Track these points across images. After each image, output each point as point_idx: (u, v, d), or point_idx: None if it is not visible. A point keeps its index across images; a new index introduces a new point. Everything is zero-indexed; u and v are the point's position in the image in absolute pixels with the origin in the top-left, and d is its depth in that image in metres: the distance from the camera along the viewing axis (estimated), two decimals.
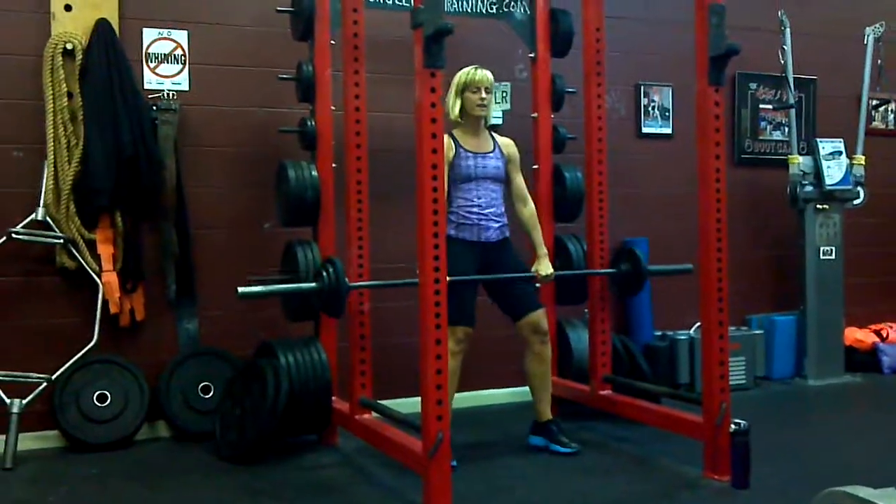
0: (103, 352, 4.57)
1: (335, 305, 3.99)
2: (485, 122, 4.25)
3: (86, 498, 3.75)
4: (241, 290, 3.82)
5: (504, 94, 5.45)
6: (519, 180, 4.36)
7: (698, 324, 4.04)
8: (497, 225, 4.19)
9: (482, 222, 4.14)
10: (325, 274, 3.97)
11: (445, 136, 4.07)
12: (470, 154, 4.15)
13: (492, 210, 4.17)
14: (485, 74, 4.16)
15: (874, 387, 5.96)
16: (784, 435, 4.58)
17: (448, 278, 3.38)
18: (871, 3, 6.58)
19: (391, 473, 3.93)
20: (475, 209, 4.13)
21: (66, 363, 4.46)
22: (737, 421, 3.64)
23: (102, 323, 4.55)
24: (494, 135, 4.32)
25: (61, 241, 4.51)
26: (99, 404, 4.46)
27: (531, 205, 4.38)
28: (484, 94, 4.13)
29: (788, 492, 3.58)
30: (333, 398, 4.39)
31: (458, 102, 4.18)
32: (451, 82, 4.17)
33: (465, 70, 4.18)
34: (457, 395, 4.13)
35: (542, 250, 4.36)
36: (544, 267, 4.33)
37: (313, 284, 4.02)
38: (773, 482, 3.69)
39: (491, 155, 4.21)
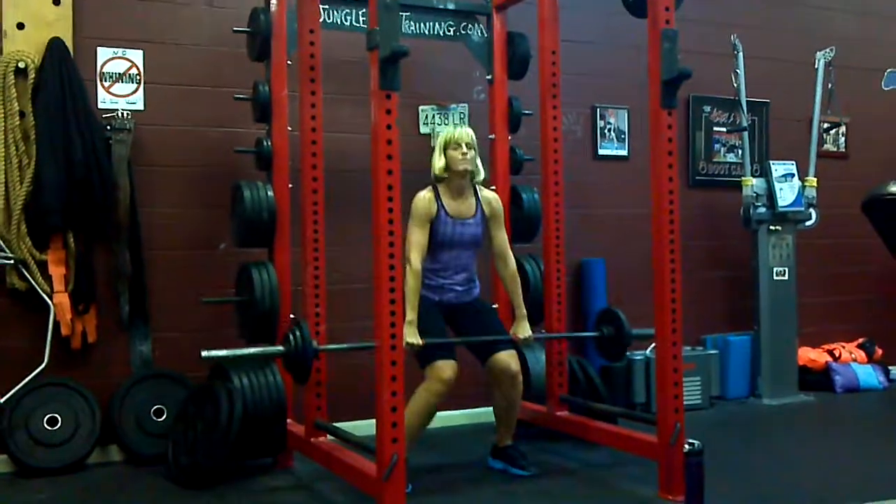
0: (54, 374, 4.50)
1: (302, 370, 3.92)
2: (470, 178, 4.21)
3: None
4: (204, 353, 3.78)
5: (462, 116, 5.48)
6: (501, 237, 4.31)
7: (654, 344, 4.06)
8: (463, 289, 4.20)
9: (446, 286, 4.16)
10: (292, 338, 3.90)
11: (429, 192, 4.13)
12: (450, 220, 4.12)
13: (461, 276, 4.19)
14: (465, 132, 4.18)
15: (827, 406, 6.03)
16: (738, 454, 4.61)
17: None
18: (821, 28, 6.72)
19: (346, 497, 3.90)
20: (442, 276, 4.14)
21: (15, 386, 4.38)
22: (691, 441, 3.65)
23: (53, 345, 4.49)
24: (479, 189, 4.28)
25: (12, 261, 4.44)
26: (49, 428, 4.38)
27: (512, 264, 4.32)
28: (465, 150, 4.12)
29: None
30: (289, 421, 4.35)
31: (443, 159, 4.17)
32: (436, 142, 4.21)
33: (447, 129, 4.22)
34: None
35: (522, 311, 4.29)
36: (523, 329, 4.27)
37: (280, 348, 3.96)
38: (727, 502, 3.71)
39: (471, 221, 4.19)
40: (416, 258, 3.99)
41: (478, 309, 4.28)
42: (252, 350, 4.08)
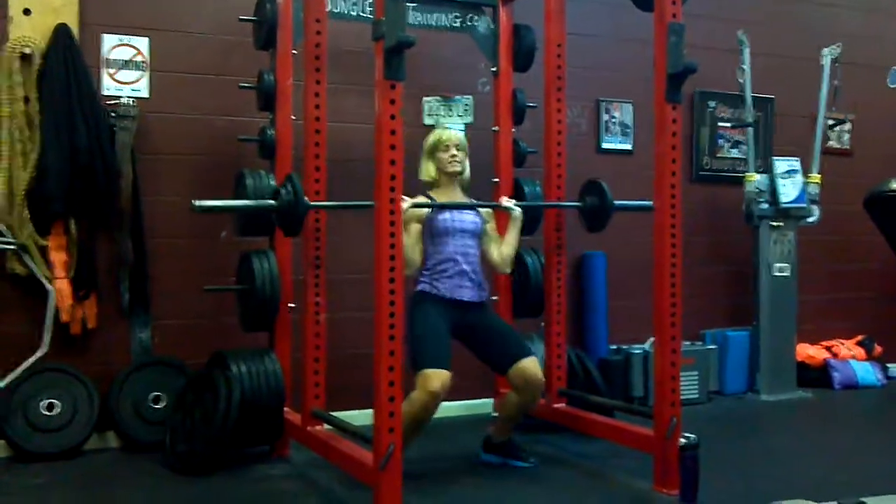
0: (53, 360, 4.51)
1: (293, 223, 3.98)
2: (460, 183, 4.19)
3: None
4: (196, 203, 3.81)
5: (466, 108, 5.48)
6: (494, 228, 4.30)
7: (653, 338, 4.07)
8: (472, 284, 4.06)
9: (457, 277, 4.02)
10: (283, 192, 3.94)
11: (420, 197, 4.08)
12: (446, 210, 4.08)
13: (469, 266, 4.05)
14: (452, 133, 4.15)
15: (825, 402, 6.04)
16: (734, 449, 4.63)
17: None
18: (828, 24, 6.70)
19: (343, 486, 3.91)
20: (451, 263, 4.02)
21: (14, 371, 4.40)
22: (686, 435, 3.67)
23: (53, 331, 4.49)
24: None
25: (13, 246, 4.45)
26: (47, 413, 4.40)
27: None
28: (455, 152, 4.09)
29: None
30: (286, 409, 4.36)
31: (431, 164, 4.14)
32: (423, 147, 4.17)
33: (434, 133, 4.19)
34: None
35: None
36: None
37: (272, 202, 4.00)
38: (722, 496, 3.72)
39: (467, 212, 4.15)
40: (410, 250, 3.91)
41: (490, 320, 4.19)
42: (245, 203, 4.15)
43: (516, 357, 4.05)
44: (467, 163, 4.19)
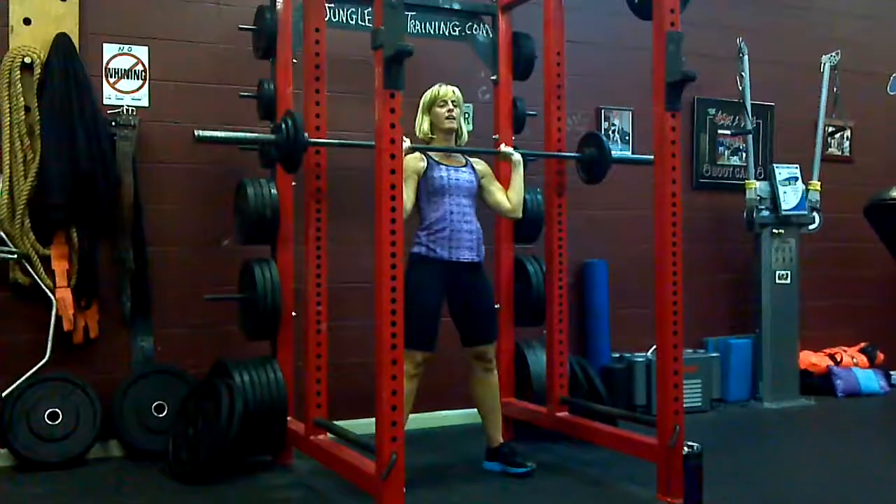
0: (56, 369, 4.51)
1: (293, 159, 4.04)
2: (456, 138, 4.23)
3: None
4: (198, 132, 3.92)
5: (466, 116, 5.49)
6: (497, 185, 4.36)
7: (654, 346, 4.06)
8: (470, 242, 4.12)
9: (455, 236, 4.07)
10: (283, 127, 3.99)
11: (417, 153, 4.09)
12: (443, 166, 4.13)
13: (465, 224, 4.11)
14: (450, 89, 4.18)
15: (828, 410, 6.03)
16: (738, 457, 4.61)
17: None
18: (827, 31, 6.71)
19: (345, 495, 3.90)
20: (447, 223, 4.06)
21: (17, 380, 4.40)
22: (690, 443, 3.66)
23: (55, 340, 4.51)
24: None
25: (15, 256, 4.45)
26: (50, 422, 4.39)
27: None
28: (451, 107, 4.14)
29: None
30: (289, 418, 4.36)
31: (427, 119, 4.19)
32: (420, 103, 4.20)
33: (431, 89, 4.21)
34: (411, 415, 4.11)
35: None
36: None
37: (272, 137, 4.07)
38: None
39: (464, 169, 4.20)
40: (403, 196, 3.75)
41: (479, 293, 4.22)
42: (245, 135, 4.30)
43: (479, 340, 4.23)
44: (463, 121, 4.23)
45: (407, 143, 3.83)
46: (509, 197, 4.32)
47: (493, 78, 5.10)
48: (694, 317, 4.68)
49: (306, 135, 4.04)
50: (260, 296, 4.29)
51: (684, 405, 3.85)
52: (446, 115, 4.14)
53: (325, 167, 4.25)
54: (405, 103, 3.37)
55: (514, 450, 4.31)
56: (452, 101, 4.15)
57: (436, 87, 4.20)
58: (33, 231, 4.50)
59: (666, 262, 3.80)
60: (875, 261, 6.64)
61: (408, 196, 3.94)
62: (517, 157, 4.35)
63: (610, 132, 6.03)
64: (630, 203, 5.81)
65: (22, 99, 4.47)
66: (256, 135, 4.19)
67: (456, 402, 5.34)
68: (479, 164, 4.33)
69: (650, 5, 3.79)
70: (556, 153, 4.71)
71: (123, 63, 4.79)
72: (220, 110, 4.92)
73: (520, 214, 4.42)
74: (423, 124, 4.21)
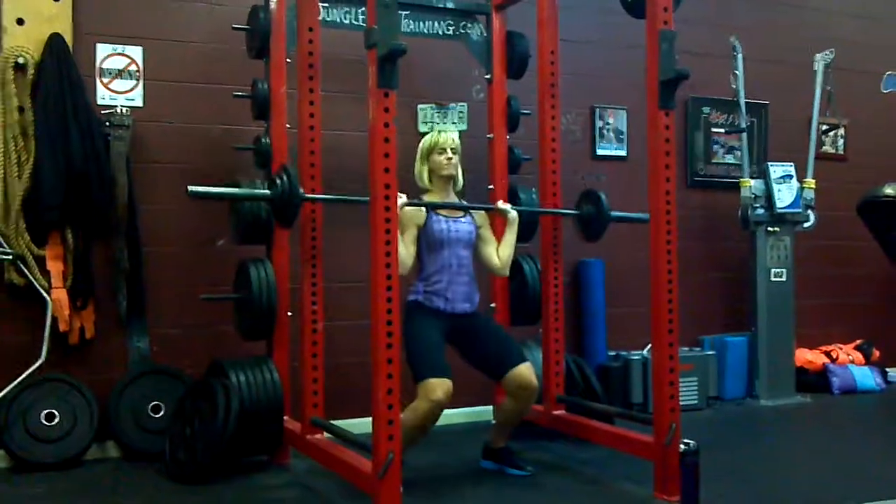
0: (52, 370, 4.51)
1: (288, 214, 4.01)
2: (454, 186, 4.18)
3: None
4: (191, 188, 3.84)
5: (461, 115, 5.49)
6: (492, 236, 4.28)
7: (650, 345, 4.07)
8: (465, 294, 4.06)
9: (452, 288, 4.01)
10: (279, 182, 3.97)
11: (414, 200, 4.03)
12: (442, 217, 4.07)
13: (463, 277, 4.06)
14: (449, 136, 4.11)
15: (824, 407, 6.04)
16: (734, 455, 4.62)
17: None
18: (821, 30, 6.73)
19: (342, 494, 3.90)
20: (445, 276, 4.01)
21: (12, 381, 4.39)
22: (686, 441, 3.66)
23: (51, 341, 4.50)
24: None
25: (10, 256, 4.45)
26: (46, 423, 4.39)
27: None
28: (450, 154, 4.07)
29: None
30: (285, 418, 4.36)
31: (425, 167, 4.12)
32: (418, 149, 4.15)
33: (430, 135, 4.16)
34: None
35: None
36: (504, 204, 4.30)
37: (267, 192, 4.03)
38: (722, 502, 3.72)
39: (463, 219, 4.16)
40: (404, 252, 3.85)
41: (485, 326, 4.20)
42: (239, 190, 4.17)
43: (511, 363, 4.05)
44: (460, 167, 4.18)
45: (403, 199, 3.84)
46: (500, 253, 4.25)
47: (487, 77, 5.11)
48: (690, 315, 4.67)
49: (301, 189, 3.99)
50: (255, 295, 4.29)
51: (681, 403, 3.85)
52: (445, 162, 4.07)
53: (319, 165, 4.25)
54: (399, 103, 3.37)
55: (516, 452, 4.31)
56: (451, 149, 4.08)
57: (434, 134, 4.14)
58: (28, 232, 4.49)
59: (661, 260, 3.81)
60: (870, 258, 6.66)
61: (408, 251, 3.93)
62: (513, 214, 4.26)
63: (604, 131, 6.04)
64: (625, 201, 5.80)
65: (15, 99, 4.47)
66: (251, 190, 4.11)
67: (455, 402, 5.31)
68: (478, 214, 4.27)
69: (643, 4, 3.79)
70: (553, 210, 4.68)
71: (117, 63, 4.79)
72: (214, 110, 4.93)
73: (507, 273, 4.35)
74: (422, 172, 4.12)
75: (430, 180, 4.14)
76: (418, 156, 4.16)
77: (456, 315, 4.05)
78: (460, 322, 4.06)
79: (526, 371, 4.05)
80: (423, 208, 4.06)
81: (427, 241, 4.06)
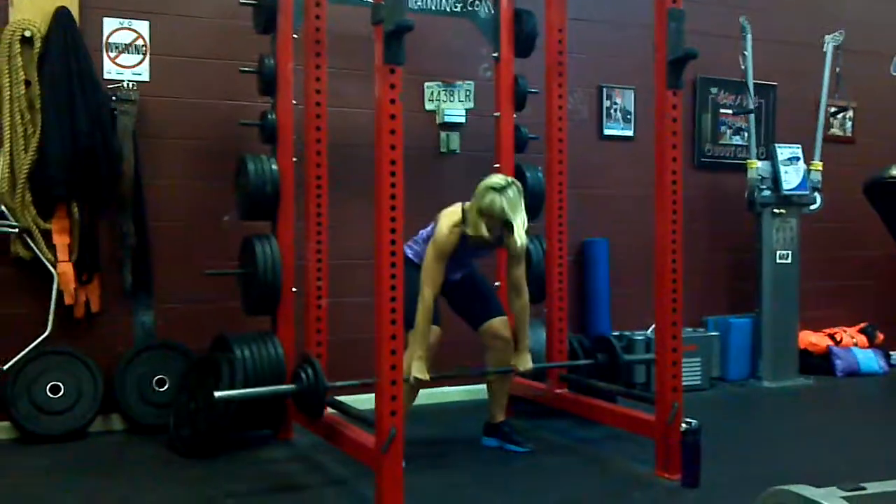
0: (57, 343, 4.54)
1: (315, 406, 3.95)
2: None
3: (31, 490, 3.71)
4: (217, 394, 3.79)
5: (468, 93, 5.48)
6: (518, 272, 4.18)
7: (654, 324, 4.07)
8: (460, 272, 4.19)
9: (449, 269, 4.04)
10: (303, 375, 3.94)
11: (459, 226, 3.94)
12: (469, 246, 4.02)
13: (458, 274, 4.19)
14: (508, 211, 3.84)
15: (827, 389, 6.05)
16: (736, 435, 4.64)
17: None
18: (830, 11, 6.68)
19: (345, 469, 3.93)
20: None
21: (18, 353, 4.42)
22: (688, 420, 3.68)
23: (57, 314, 4.53)
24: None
25: (16, 230, 4.46)
26: (52, 395, 4.42)
27: (525, 297, 4.20)
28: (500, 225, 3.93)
29: (737, 490, 3.60)
30: None
31: (480, 223, 3.90)
32: (476, 194, 3.91)
33: (493, 198, 3.84)
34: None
35: (525, 343, 4.22)
36: (523, 362, 4.22)
37: (292, 386, 4.00)
38: (723, 481, 3.74)
39: (487, 251, 4.22)
40: (429, 294, 3.86)
41: (471, 279, 4.27)
42: (262, 389, 4.02)
43: (488, 315, 4.24)
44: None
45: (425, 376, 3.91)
46: (520, 304, 4.21)
47: (494, 55, 5.08)
48: (694, 296, 4.68)
49: (326, 379, 3.93)
50: (260, 271, 4.30)
51: (683, 383, 3.87)
52: (489, 235, 3.92)
53: (325, 142, 4.25)
54: (406, 79, 3.36)
55: (515, 428, 4.33)
56: (504, 222, 3.88)
57: (504, 204, 3.83)
58: (34, 205, 4.50)
59: (666, 240, 3.81)
60: (875, 241, 6.63)
61: (436, 279, 3.92)
62: (529, 367, 4.25)
63: (611, 111, 6.02)
64: (631, 182, 5.81)
65: (22, 73, 4.46)
66: (274, 388, 4.02)
67: (456, 379, 5.35)
68: (512, 245, 4.07)
69: None
70: (560, 363, 4.70)
71: (124, 37, 4.78)
72: (220, 85, 4.92)
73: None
74: (477, 224, 3.90)
75: (476, 233, 3.94)
76: (477, 206, 3.90)
77: (447, 280, 4.09)
78: (450, 280, 4.13)
79: (498, 323, 4.23)
80: (459, 237, 3.97)
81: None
